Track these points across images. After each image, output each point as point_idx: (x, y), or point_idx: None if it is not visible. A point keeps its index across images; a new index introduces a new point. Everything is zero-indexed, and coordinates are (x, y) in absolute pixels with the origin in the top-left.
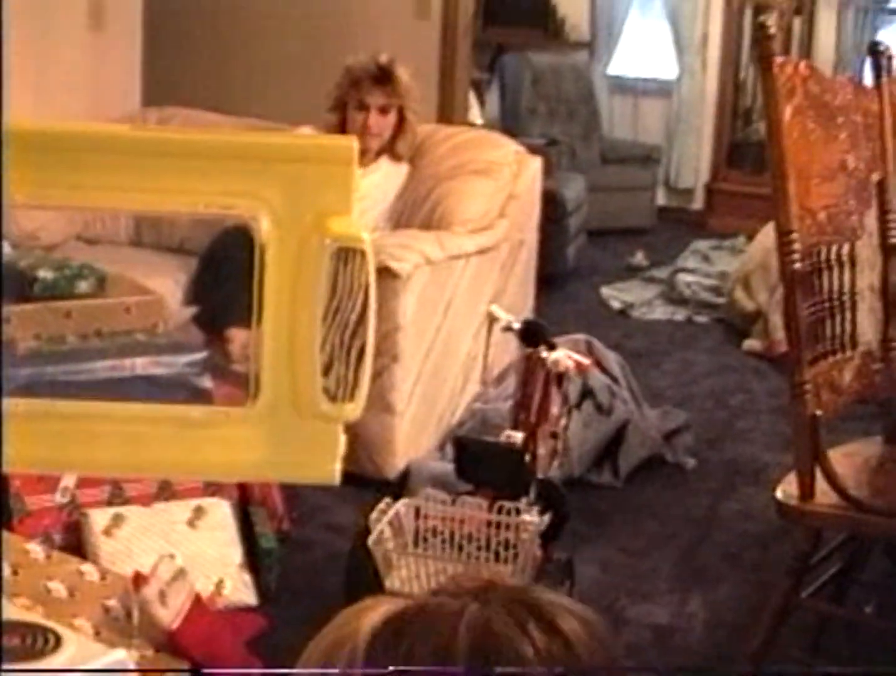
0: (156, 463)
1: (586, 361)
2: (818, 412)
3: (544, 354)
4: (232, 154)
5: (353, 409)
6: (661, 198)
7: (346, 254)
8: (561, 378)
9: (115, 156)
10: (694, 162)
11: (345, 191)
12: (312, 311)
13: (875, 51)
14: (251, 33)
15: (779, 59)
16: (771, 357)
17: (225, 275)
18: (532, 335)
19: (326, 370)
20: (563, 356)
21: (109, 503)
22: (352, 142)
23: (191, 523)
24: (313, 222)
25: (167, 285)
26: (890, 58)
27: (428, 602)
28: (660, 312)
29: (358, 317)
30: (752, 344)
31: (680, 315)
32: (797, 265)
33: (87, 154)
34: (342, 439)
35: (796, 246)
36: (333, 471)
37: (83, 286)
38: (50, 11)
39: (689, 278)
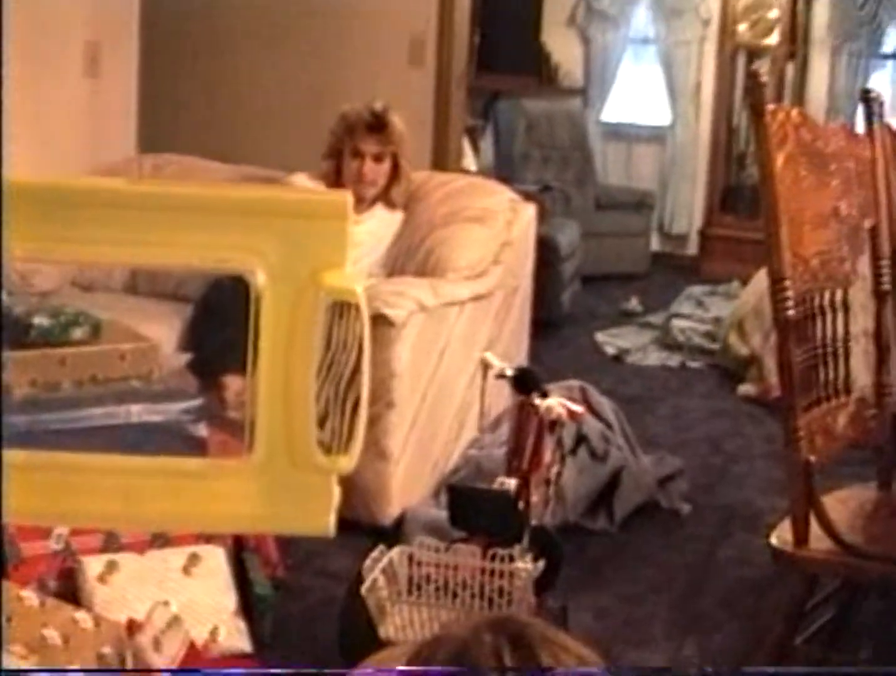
0: (152, 516)
1: (579, 409)
2: (812, 458)
3: (537, 401)
4: (228, 208)
5: (348, 462)
6: (655, 244)
7: (341, 308)
8: (554, 425)
9: (111, 210)
10: (688, 207)
11: (339, 244)
12: (307, 364)
13: (866, 98)
14: (247, 80)
15: (770, 107)
16: (766, 401)
17: (220, 321)
18: (525, 382)
19: (321, 422)
20: (555, 403)
21: (104, 550)
22: (346, 197)
23: (185, 570)
24: (308, 275)
25: (162, 331)
26: (881, 104)
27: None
28: (654, 358)
29: (352, 370)
30: (746, 388)
31: (674, 360)
32: (790, 312)
33: (83, 208)
34: (337, 491)
35: (789, 293)
36: (328, 523)
37: (78, 333)
38: (46, 58)
39: (683, 324)
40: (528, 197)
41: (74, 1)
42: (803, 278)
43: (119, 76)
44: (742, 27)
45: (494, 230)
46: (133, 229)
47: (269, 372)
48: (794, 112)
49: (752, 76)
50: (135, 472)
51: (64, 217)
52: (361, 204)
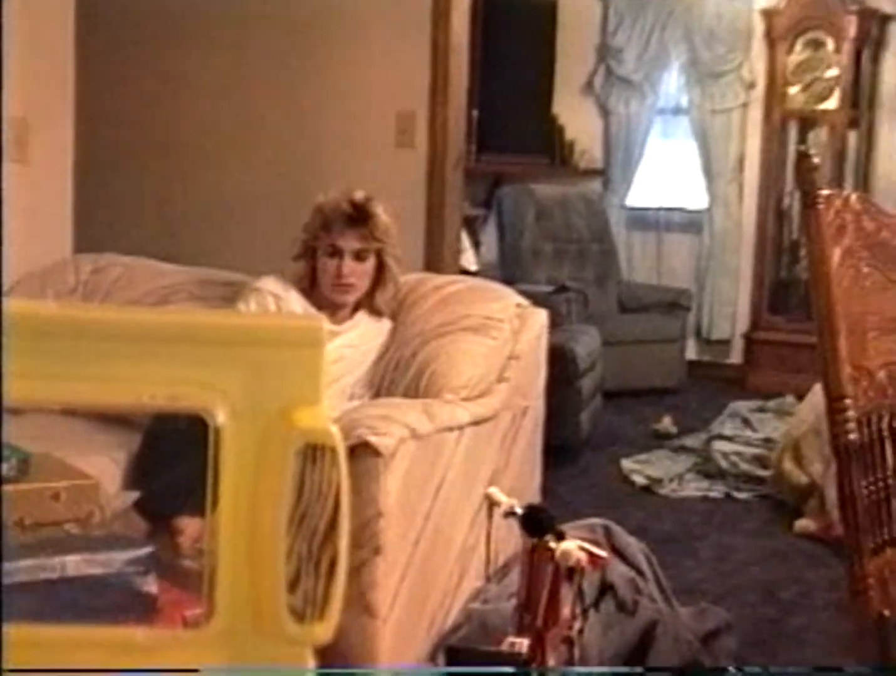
0: None
1: (602, 553)
2: (886, 612)
3: (552, 545)
4: (181, 336)
5: (324, 631)
6: (691, 352)
7: (315, 451)
8: (573, 573)
9: (40, 339)
10: (730, 308)
11: (313, 378)
12: (276, 516)
13: None
14: (205, 166)
15: (825, 193)
16: (829, 540)
17: (174, 453)
18: (537, 522)
19: (293, 585)
20: (573, 547)
21: None
22: (320, 323)
23: None
24: (276, 414)
25: (104, 465)
26: None
27: None
28: (693, 488)
29: (328, 524)
30: (805, 524)
31: (717, 491)
32: (852, 436)
33: (5, 338)
34: (311, 663)
35: (850, 413)
36: None
37: (3, 469)
38: None
39: (726, 447)
40: (538, 300)
41: None
42: (867, 395)
43: (51, 162)
44: (793, 90)
45: (498, 342)
46: (67, 361)
47: (230, 525)
48: (854, 197)
49: (801, 157)
50: (74, 645)
51: None
52: (341, 311)
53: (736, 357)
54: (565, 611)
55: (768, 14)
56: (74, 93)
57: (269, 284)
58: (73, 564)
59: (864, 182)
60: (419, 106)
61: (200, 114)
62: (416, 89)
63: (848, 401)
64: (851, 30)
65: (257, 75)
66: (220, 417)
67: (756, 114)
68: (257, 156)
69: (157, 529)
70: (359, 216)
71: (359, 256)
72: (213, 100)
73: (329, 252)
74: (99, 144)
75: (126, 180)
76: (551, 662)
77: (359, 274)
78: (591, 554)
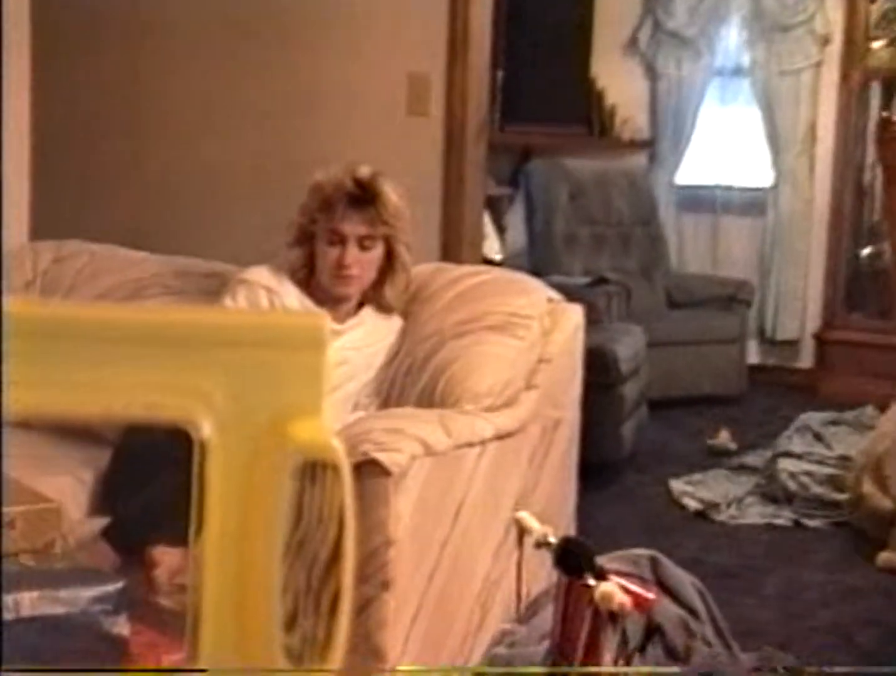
0: None
1: (650, 595)
2: None
3: (591, 583)
4: (160, 337)
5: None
6: (752, 355)
7: (314, 469)
8: (615, 616)
9: None
10: (798, 303)
11: (313, 384)
12: (270, 544)
13: None
14: (183, 138)
15: None
16: None
17: (150, 471)
18: (573, 559)
19: (289, 624)
20: (615, 588)
21: None
22: (322, 321)
23: None
24: (270, 426)
25: (67, 486)
26: None
27: None
28: (755, 514)
29: (331, 552)
30: (889, 557)
31: (784, 518)
32: None
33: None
34: None
35: None
36: None
37: None
38: None
39: (795, 466)
40: (573, 295)
41: None
42: None
43: (4, 137)
44: (877, 45)
45: (527, 342)
46: (24, 366)
47: (217, 556)
48: None
49: (885, 124)
50: None
51: None
52: (344, 307)
53: (806, 360)
54: (606, 659)
55: None
56: (31, 60)
57: (260, 275)
58: (30, 602)
59: None
60: (434, 67)
61: (177, 75)
62: (431, 48)
63: None
64: None
65: (244, 31)
66: (205, 429)
67: (831, 75)
68: (245, 126)
69: (130, 561)
70: (364, 196)
71: (364, 243)
72: (192, 59)
73: (329, 238)
74: (60, 117)
75: (91, 156)
76: None
77: (364, 263)
78: (636, 595)
